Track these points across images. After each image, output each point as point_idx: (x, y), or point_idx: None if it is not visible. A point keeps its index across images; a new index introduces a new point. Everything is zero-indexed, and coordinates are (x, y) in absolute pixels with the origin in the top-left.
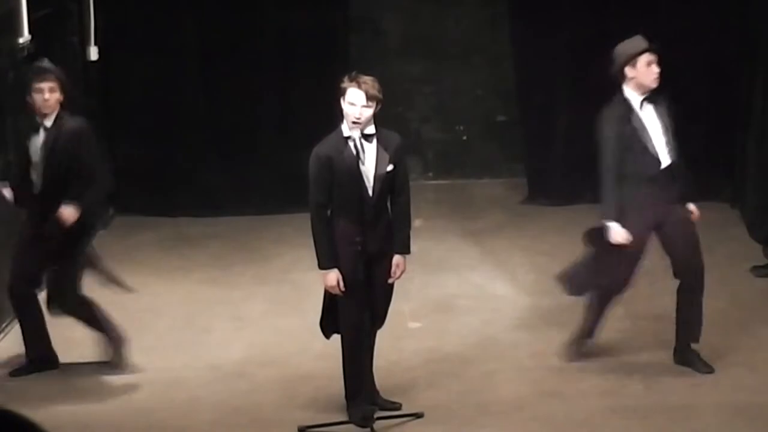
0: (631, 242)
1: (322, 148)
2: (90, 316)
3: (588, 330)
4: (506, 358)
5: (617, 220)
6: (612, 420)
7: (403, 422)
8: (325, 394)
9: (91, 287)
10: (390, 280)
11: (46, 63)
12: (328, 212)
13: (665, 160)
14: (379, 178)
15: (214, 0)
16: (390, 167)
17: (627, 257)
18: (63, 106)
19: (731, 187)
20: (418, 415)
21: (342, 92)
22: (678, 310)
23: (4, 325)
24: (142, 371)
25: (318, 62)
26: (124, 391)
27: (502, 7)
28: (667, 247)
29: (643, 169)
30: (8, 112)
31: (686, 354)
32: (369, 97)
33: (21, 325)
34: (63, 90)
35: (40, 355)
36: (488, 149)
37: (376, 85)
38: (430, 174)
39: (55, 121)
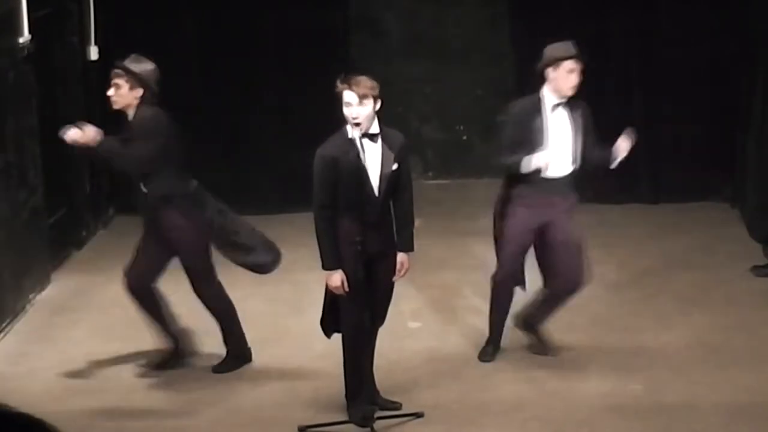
0: (516, 236)
1: (326, 149)
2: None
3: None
4: (506, 358)
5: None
6: (612, 420)
7: (403, 422)
8: (325, 394)
9: (93, 287)
10: (394, 278)
11: (130, 58)
12: (332, 212)
13: (561, 168)
14: (385, 177)
15: (214, 0)
16: (395, 166)
17: (510, 248)
18: (143, 100)
19: (731, 187)
20: (418, 415)
21: (339, 95)
22: (540, 297)
23: (4, 324)
24: (142, 371)
25: (318, 62)
26: (124, 391)
27: (502, 7)
28: (543, 253)
29: (532, 173)
30: (8, 112)
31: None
32: (361, 96)
33: (157, 324)
34: (138, 85)
35: (240, 350)
36: (488, 149)
37: (368, 82)
38: (430, 174)
39: (134, 115)
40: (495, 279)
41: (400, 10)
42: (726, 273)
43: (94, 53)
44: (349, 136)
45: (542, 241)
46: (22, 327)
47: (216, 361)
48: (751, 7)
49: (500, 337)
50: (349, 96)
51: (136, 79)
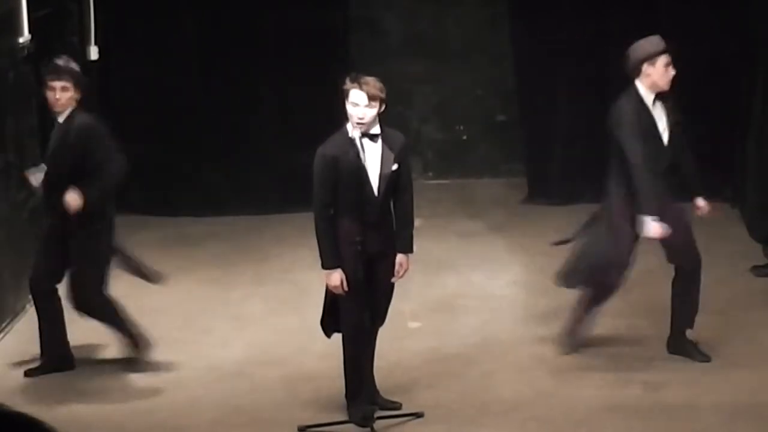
0: (627, 239)
1: (327, 149)
2: (111, 317)
3: (575, 327)
4: (506, 358)
5: (657, 215)
6: (612, 420)
7: (404, 422)
8: (325, 394)
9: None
10: (393, 279)
11: (62, 60)
12: (332, 212)
13: (669, 157)
14: (385, 177)
15: (214, 0)
16: (395, 166)
17: (622, 252)
18: (79, 103)
19: (731, 187)
20: (418, 415)
21: (345, 94)
22: (673, 297)
23: (4, 324)
24: (141, 371)
25: (318, 62)
26: (124, 391)
27: (502, 7)
28: (664, 239)
29: (652, 165)
30: (8, 112)
31: (680, 342)
32: (371, 97)
33: (39, 323)
34: (78, 88)
35: (57, 354)
36: (488, 149)
37: (378, 84)
38: (430, 174)
39: (67, 118)
40: (604, 280)
41: (400, 10)
42: (726, 273)
43: (94, 53)
44: (350, 135)
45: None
46: (22, 327)
47: (217, 361)
48: (751, 7)
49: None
50: (357, 96)
51: (75, 83)
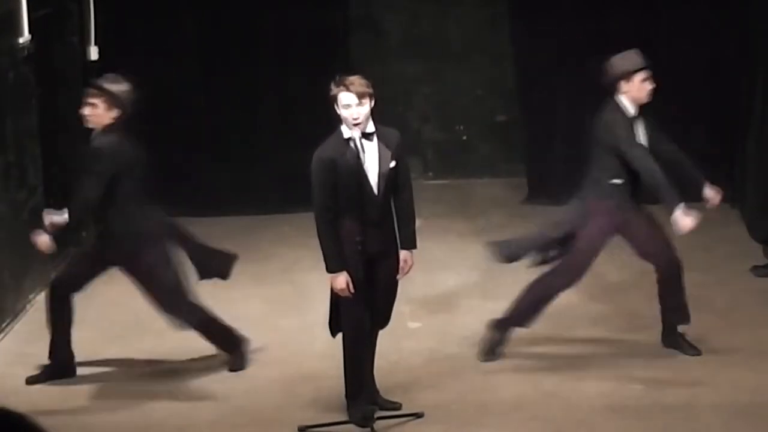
0: (591, 243)
1: (324, 151)
2: (204, 324)
3: (519, 318)
4: (506, 358)
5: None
6: (612, 420)
7: (404, 422)
8: (325, 394)
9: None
10: (398, 277)
11: (106, 78)
12: (333, 214)
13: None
14: (383, 175)
15: (214, 0)
16: (393, 164)
17: (587, 251)
18: (115, 124)
19: (731, 187)
20: (418, 415)
21: (333, 99)
22: (659, 298)
23: (3, 325)
24: (142, 371)
25: (318, 62)
26: (124, 391)
27: (502, 7)
28: (636, 247)
29: (626, 175)
30: (8, 112)
31: (673, 336)
32: (360, 96)
33: (53, 329)
34: (111, 108)
35: (61, 362)
36: (488, 149)
37: (363, 81)
38: (430, 174)
39: (95, 140)
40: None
41: (400, 10)
42: (726, 273)
43: (94, 53)
44: (345, 136)
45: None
46: (22, 327)
47: (217, 361)
48: (751, 7)
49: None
50: (347, 98)
51: (112, 100)
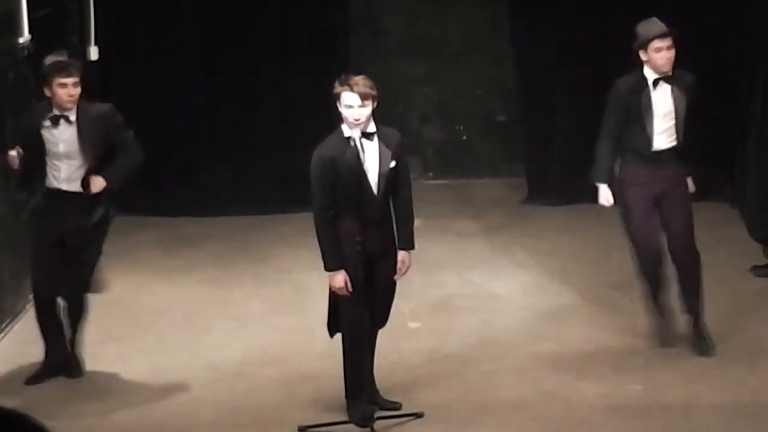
0: (631, 213)
1: (324, 150)
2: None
3: (655, 307)
4: (506, 358)
5: (606, 183)
6: (612, 420)
7: (403, 422)
8: (325, 394)
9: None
10: (396, 277)
11: (65, 56)
12: (332, 213)
13: (666, 141)
14: (383, 175)
15: (214, 0)
16: (393, 164)
17: (638, 233)
18: (82, 96)
19: (731, 187)
20: (418, 415)
21: (336, 97)
22: (681, 285)
23: (3, 325)
24: (142, 371)
25: (318, 62)
26: (124, 391)
27: (502, 7)
28: (663, 224)
29: (641, 147)
30: (8, 112)
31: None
32: (363, 97)
33: (43, 331)
34: (83, 81)
35: (60, 361)
36: (488, 149)
37: (368, 82)
38: (430, 174)
39: (79, 111)
40: (637, 269)
41: (400, 10)
42: (726, 273)
43: (94, 53)
44: (346, 135)
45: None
46: (22, 327)
47: (217, 361)
48: (751, 7)
49: (670, 314)
50: (350, 98)
51: (82, 77)
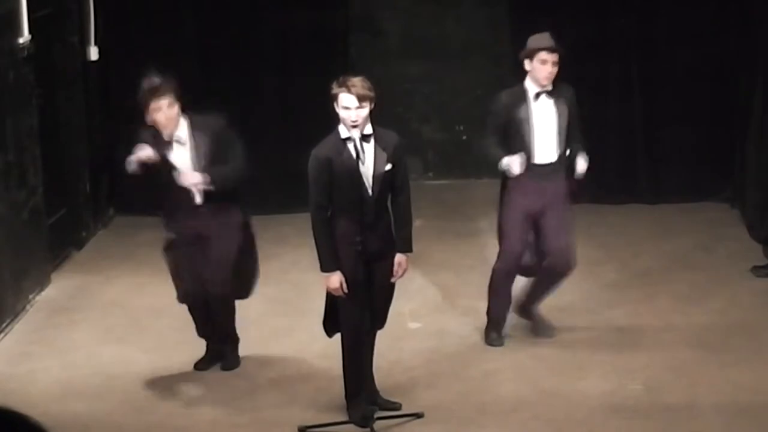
0: (513, 223)
1: (320, 150)
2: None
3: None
4: (506, 358)
5: (505, 155)
6: (612, 420)
7: (403, 422)
8: (325, 394)
9: (93, 287)
10: (393, 279)
11: (155, 78)
12: (328, 214)
13: (548, 154)
14: (378, 177)
15: (214, 0)
16: (388, 166)
17: (509, 236)
18: (183, 110)
19: (731, 187)
20: (418, 415)
21: (334, 98)
22: (538, 286)
23: (4, 325)
24: (142, 371)
25: (318, 62)
26: (124, 391)
27: (502, 7)
28: (543, 239)
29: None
30: (8, 112)
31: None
32: (360, 98)
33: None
34: (178, 97)
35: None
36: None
37: (366, 84)
38: (430, 174)
39: (191, 128)
40: (495, 266)
41: (400, 10)
42: (726, 273)
43: (94, 53)
44: (343, 136)
45: (536, 226)
46: (22, 327)
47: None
48: (751, 7)
49: (503, 322)
50: (347, 99)
51: (175, 93)
